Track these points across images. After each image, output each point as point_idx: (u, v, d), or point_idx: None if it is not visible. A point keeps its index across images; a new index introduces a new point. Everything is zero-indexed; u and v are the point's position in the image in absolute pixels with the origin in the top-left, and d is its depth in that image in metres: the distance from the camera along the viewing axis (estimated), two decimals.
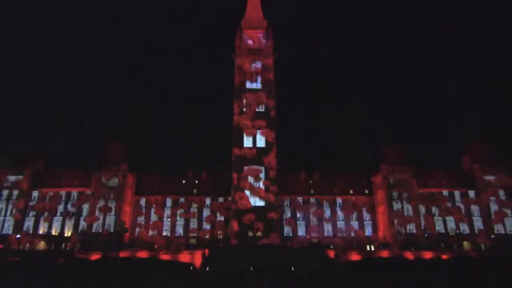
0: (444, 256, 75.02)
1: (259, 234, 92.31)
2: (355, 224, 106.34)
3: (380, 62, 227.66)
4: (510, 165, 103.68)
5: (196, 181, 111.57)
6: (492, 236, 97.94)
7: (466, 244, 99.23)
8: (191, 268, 67.53)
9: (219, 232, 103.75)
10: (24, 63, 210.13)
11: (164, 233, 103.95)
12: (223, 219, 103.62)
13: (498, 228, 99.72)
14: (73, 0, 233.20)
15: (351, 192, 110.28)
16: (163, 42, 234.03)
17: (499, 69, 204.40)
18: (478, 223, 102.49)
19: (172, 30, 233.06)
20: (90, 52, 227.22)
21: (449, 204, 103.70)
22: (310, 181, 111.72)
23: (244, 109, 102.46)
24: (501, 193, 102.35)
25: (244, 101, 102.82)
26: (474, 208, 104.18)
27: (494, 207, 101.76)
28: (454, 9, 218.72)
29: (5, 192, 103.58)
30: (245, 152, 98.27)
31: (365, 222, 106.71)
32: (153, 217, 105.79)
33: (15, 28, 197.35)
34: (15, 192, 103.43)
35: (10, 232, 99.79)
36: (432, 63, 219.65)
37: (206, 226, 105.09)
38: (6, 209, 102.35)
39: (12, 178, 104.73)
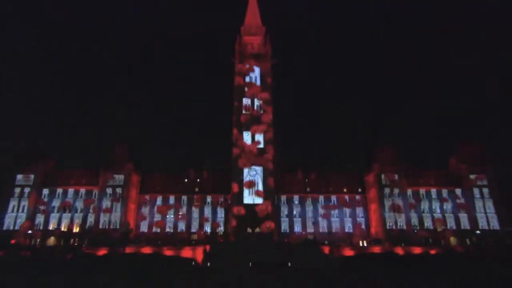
0: (432, 251, 78.47)
1: (257, 230, 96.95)
2: (348, 221, 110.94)
3: (380, 62, 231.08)
4: (495, 166, 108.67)
5: (198, 180, 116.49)
6: (477, 232, 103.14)
7: (452, 240, 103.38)
8: (193, 263, 69.62)
9: (219, 228, 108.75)
10: (25, 63, 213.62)
11: (167, 230, 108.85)
12: (223, 216, 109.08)
13: (483, 225, 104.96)
14: (73, 0, 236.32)
15: (345, 190, 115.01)
16: (164, 42, 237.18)
17: (499, 69, 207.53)
18: (464, 220, 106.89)
19: (172, 30, 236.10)
20: (90, 52, 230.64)
21: (437, 202, 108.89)
22: (307, 180, 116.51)
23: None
24: (485, 191, 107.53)
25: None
26: (461, 206, 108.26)
27: (478, 204, 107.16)
28: (454, 9, 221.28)
29: (17, 190, 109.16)
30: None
31: (358, 219, 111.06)
32: (157, 215, 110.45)
33: (14, 28, 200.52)
34: (26, 190, 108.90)
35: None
36: (432, 63, 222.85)
37: (207, 223, 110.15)
38: (18, 206, 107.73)
39: (23, 176, 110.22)
